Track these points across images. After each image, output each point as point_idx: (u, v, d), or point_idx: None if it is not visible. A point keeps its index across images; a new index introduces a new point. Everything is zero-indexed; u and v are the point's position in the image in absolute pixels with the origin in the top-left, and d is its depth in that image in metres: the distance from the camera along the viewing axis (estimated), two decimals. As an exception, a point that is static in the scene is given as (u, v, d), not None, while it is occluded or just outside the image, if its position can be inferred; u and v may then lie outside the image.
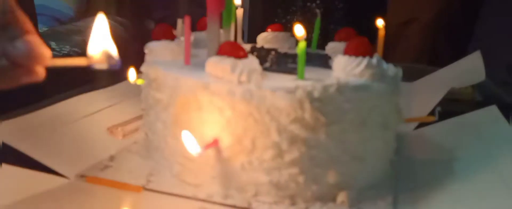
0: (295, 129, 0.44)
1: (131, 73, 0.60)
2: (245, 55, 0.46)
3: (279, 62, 0.54)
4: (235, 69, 0.44)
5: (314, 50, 0.66)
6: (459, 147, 0.57)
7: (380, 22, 0.57)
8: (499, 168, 0.47)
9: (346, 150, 0.46)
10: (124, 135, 0.62)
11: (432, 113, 0.71)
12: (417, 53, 1.69)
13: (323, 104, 0.44)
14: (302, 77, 0.46)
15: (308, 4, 2.86)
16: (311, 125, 0.44)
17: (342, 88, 0.44)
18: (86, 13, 1.84)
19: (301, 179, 0.45)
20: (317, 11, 0.64)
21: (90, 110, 0.66)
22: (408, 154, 0.61)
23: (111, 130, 0.62)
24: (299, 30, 0.45)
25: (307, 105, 0.43)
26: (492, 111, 0.62)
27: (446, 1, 1.81)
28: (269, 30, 0.69)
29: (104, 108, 0.68)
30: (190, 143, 0.43)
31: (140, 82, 0.57)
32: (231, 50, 0.45)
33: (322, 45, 0.65)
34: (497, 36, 1.94)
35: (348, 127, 0.46)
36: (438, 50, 1.79)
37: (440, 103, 0.94)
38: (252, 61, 0.46)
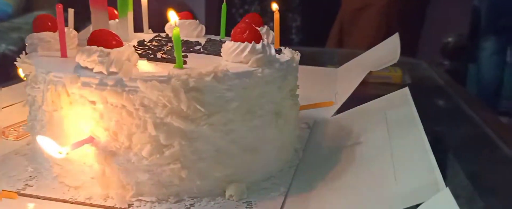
0: (173, 121, 0.41)
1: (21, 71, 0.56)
2: (118, 44, 0.43)
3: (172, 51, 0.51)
4: (104, 59, 0.41)
5: (222, 37, 0.63)
6: (364, 132, 0.55)
7: (274, 6, 0.54)
8: (393, 152, 0.46)
9: (233, 141, 0.44)
10: (17, 137, 0.57)
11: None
12: (372, 39, 1.70)
13: (201, 93, 0.41)
14: (180, 66, 0.42)
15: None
16: (190, 116, 0.41)
17: (221, 75, 0.41)
18: (26, 10, 1.75)
19: (184, 174, 0.42)
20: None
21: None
22: (318, 141, 0.59)
23: (3, 131, 0.58)
24: (172, 16, 0.42)
25: (182, 95, 0.40)
26: (403, 93, 0.61)
27: None
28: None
29: (1, 108, 0.63)
30: (50, 147, 0.39)
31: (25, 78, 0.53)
32: (102, 40, 0.42)
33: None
34: (439, 20, 1.97)
35: (233, 117, 0.43)
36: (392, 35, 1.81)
37: (371, 87, 0.94)
38: (125, 50, 0.42)
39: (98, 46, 0.41)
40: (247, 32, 0.45)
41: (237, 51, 0.44)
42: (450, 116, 0.77)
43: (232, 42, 0.45)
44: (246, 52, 0.44)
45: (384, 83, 0.93)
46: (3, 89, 0.69)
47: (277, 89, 0.46)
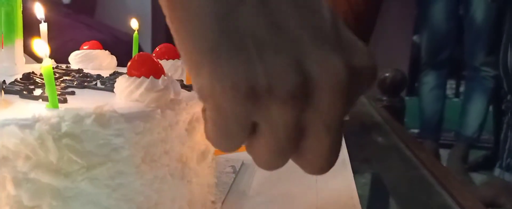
0: (40, 177, 0.32)
1: None
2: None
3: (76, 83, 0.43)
4: (-51, 98, 0.32)
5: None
6: (294, 177, 0.49)
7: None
8: (318, 203, 0.40)
9: (124, 198, 0.35)
10: None
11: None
12: None
13: (78, 140, 0.32)
14: (54, 106, 0.34)
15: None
16: (62, 170, 0.32)
17: (105, 118, 0.33)
18: None
19: (56, 244, 0.33)
20: (135, 27, 0.53)
21: None
22: (243, 190, 0.52)
23: None
24: (39, 46, 0.34)
25: (50, 144, 0.32)
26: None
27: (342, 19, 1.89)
28: (84, 47, 0.57)
29: None
30: None
31: None
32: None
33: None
34: (378, 52, 2.01)
35: (124, 169, 0.35)
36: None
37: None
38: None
39: None
40: (145, 65, 0.38)
41: (131, 87, 0.37)
42: (389, 154, 0.73)
43: (126, 77, 0.38)
44: (142, 89, 0.36)
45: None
46: None
47: (183, 132, 0.39)
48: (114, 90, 0.39)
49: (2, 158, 0.32)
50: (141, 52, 0.40)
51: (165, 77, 0.38)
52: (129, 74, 0.38)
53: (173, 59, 0.51)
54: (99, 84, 0.43)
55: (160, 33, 2.66)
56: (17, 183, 0.32)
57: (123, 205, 0.35)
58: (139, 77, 0.37)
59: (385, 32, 2.29)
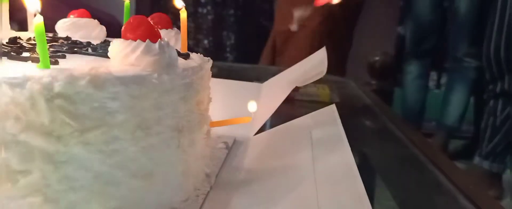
0: (30, 139, 0.30)
1: None
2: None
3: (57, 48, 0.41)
4: None
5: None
6: (287, 153, 0.48)
7: (179, 3, 0.46)
8: (317, 177, 0.39)
9: (119, 165, 0.34)
10: None
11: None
12: (304, 58, 1.71)
13: (71, 102, 0.31)
14: (46, 66, 0.32)
15: (199, 9, 2.78)
16: (54, 132, 0.31)
17: (100, 80, 0.32)
18: None
19: (46, 210, 0.32)
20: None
21: None
22: (235, 164, 0.51)
23: None
24: (30, 2, 0.32)
25: (42, 105, 0.30)
26: (330, 111, 0.55)
27: (329, 8, 1.89)
28: (71, 15, 0.55)
29: None
30: None
31: None
32: None
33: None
34: (365, 39, 2.03)
35: (119, 134, 0.34)
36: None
37: (298, 105, 0.88)
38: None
39: None
40: (141, 28, 0.36)
41: (126, 50, 0.35)
42: (379, 136, 0.73)
43: (121, 40, 0.36)
44: (138, 53, 0.35)
45: (312, 101, 0.87)
46: None
47: (179, 100, 0.37)
48: (108, 54, 0.37)
49: (-10, 119, 0.30)
50: (136, 15, 0.38)
51: (162, 42, 0.36)
52: (124, 37, 0.37)
53: (167, 29, 0.50)
54: (90, 51, 0.42)
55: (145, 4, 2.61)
56: (6, 145, 0.30)
57: (117, 172, 0.34)
58: (135, 40, 0.36)
59: (370, 22, 2.30)
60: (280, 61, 2.01)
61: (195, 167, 0.42)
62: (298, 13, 1.94)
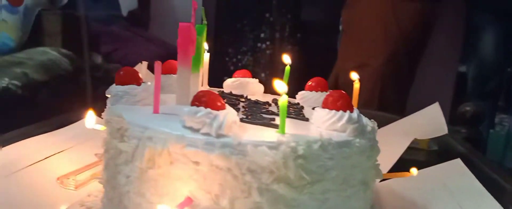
0: (278, 188, 0.40)
1: (90, 118, 0.55)
2: (223, 107, 0.43)
3: (252, 111, 0.52)
4: (213, 121, 0.41)
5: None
6: (431, 203, 0.56)
7: (355, 76, 0.56)
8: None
9: (327, 210, 0.44)
10: (76, 186, 0.55)
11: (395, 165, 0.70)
12: (368, 97, 1.76)
13: (307, 161, 0.41)
14: (283, 132, 0.43)
15: (259, 44, 2.91)
16: (294, 184, 0.41)
17: (325, 144, 0.42)
18: (28, 44, 1.73)
19: (282, 243, 0.41)
20: (288, 62, 0.63)
21: (37, 157, 0.59)
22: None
23: (61, 180, 0.56)
24: (280, 85, 0.43)
25: (290, 163, 0.40)
26: (458, 165, 0.62)
27: (393, 47, 1.92)
28: (236, 75, 0.66)
29: (53, 154, 0.61)
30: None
31: (103, 128, 0.52)
32: (208, 101, 0.42)
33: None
34: (427, 77, 2.05)
35: (331, 186, 0.43)
36: (386, 94, 1.88)
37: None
38: (231, 113, 0.43)
39: (205, 107, 0.42)
40: (341, 100, 0.46)
41: (333, 119, 0.45)
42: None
43: (326, 110, 0.46)
44: (343, 121, 0.45)
45: (411, 148, 0.94)
46: (44, 135, 0.67)
47: (366, 158, 0.47)
48: (312, 120, 0.47)
49: (251, 171, 0.40)
50: (334, 90, 0.48)
51: (357, 111, 0.46)
52: (326, 107, 0.47)
53: (323, 91, 0.60)
54: (293, 114, 0.52)
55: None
56: (261, 192, 0.40)
57: (325, 216, 0.44)
58: (338, 111, 0.46)
59: (430, 60, 2.33)
60: None
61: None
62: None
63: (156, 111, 0.47)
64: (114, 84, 0.50)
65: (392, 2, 1.89)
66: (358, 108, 0.49)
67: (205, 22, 0.57)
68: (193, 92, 0.46)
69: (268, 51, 2.89)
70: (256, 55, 2.87)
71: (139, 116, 0.46)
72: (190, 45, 0.51)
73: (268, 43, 2.87)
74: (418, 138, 0.73)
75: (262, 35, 2.81)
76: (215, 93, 0.44)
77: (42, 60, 1.67)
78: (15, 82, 1.52)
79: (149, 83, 0.51)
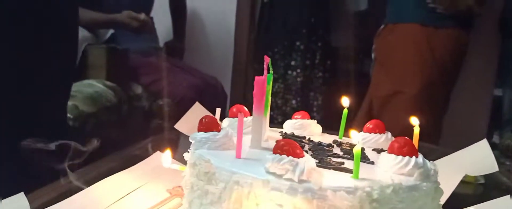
0: (354, 229, 0.45)
1: (166, 158, 0.61)
2: (302, 154, 0.48)
3: (318, 154, 0.57)
4: (296, 168, 0.46)
5: (340, 138, 0.69)
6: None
7: (415, 121, 0.61)
8: None
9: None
10: (157, 222, 0.61)
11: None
12: (403, 126, 1.78)
13: (381, 204, 0.45)
14: (356, 177, 0.48)
15: (289, 72, 2.95)
16: (372, 224, 0.45)
17: (397, 189, 0.46)
18: (75, 78, 1.84)
19: None
20: (346, 105, 0.68)
21: (119, 193, 0.65)
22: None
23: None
24: (355, 136, 0.48)
25: (366, 206, 0.45)
26: (506, 201, 0.65)
27: (428, 74, 1.91)
28: (296, 116, 0.72)
29: (132, 191, 0.67)
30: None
31: (181, 169, 0.57)
32: (289, 149, 0.47)
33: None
34: (461, 103, 2.03)
35: (399, 227, 0.47)
36: (421, 122, 1.88)
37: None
38: (309, 160, 0.48)
39: (287, 155, 0.47)
40: (406, 147, 0.51)
41: (400, 164, 0.50)
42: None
43: (393, 155, 0.51)
44: (410, 166, 0.49)
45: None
46: (126, 171, 0.73)
47: (431, 200, 0.51)
48: (378, 164, 0.52)
49: (329, 213, 0.45)
50: (399, 137, 0.53)
51: (422, 156, 0.51)
52: (392, 152, 0.51)
53: (381, 133, 0.65)
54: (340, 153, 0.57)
55: (240, 76, 2.86)
56: (339, 232, 0.45)
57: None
58: (404, 156, 0.50)
59: (465, 85, 2.33)
60: None
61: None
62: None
63: (238, 156, 0.52)
64: (197, 131, 0.56)
65: (427, 31, 1.92)
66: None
67: (271, 71, 0.62)
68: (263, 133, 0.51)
69: (298, 79, 2.95)
70: (287, 82, 2.93)
71: (224, 161, 0.51)
72: (264, 95, 0.57)
73: (298, 70, 2.93)
74: (469, 174, 0.76)
75: (292, 62, 2.87)
76: (295, 142, 0.49)
77: (89, 92, 1.78)
78: (69, 115, 1.62)
79: (228, 129, 0.57)
